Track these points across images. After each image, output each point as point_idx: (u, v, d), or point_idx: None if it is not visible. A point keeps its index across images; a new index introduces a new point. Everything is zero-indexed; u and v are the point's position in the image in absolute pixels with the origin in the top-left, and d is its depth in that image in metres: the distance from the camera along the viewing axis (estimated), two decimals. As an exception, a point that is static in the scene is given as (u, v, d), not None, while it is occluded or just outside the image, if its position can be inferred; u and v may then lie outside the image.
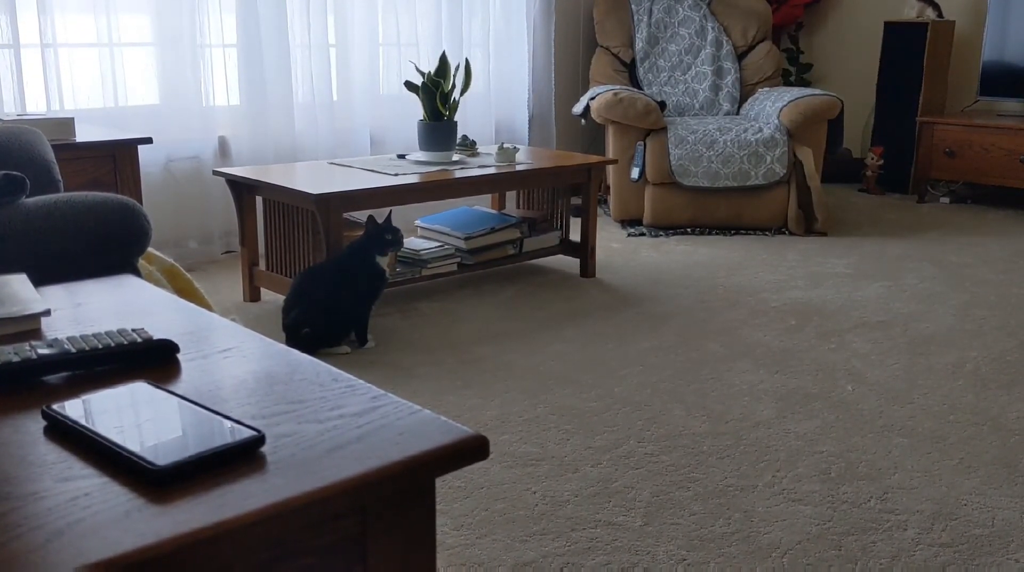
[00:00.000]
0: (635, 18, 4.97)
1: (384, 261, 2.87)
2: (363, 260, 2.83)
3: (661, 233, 4.39)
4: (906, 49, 5.28)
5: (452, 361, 2.76)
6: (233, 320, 2.29)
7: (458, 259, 3.42)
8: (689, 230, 4.43)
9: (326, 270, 2.85)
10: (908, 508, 1.94)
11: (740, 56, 4.97)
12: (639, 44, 4.94)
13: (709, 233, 4.42)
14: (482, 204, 4.08)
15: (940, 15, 5.36)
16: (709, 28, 4.95)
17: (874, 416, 2.40)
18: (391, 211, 3.01)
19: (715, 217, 4.40)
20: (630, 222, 4.51)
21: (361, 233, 2.89)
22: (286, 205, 3.14)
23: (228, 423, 0.77)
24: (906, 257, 4.04)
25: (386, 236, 2.84)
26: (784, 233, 4.42)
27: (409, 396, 2.49)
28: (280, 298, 3.13)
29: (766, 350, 2.88)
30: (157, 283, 1.89)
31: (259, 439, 0.76)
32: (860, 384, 2.62)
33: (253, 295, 3.34)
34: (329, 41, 4.15)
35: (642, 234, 4.39)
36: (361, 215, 3.53)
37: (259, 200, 3.28)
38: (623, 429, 2.31)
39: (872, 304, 3.36)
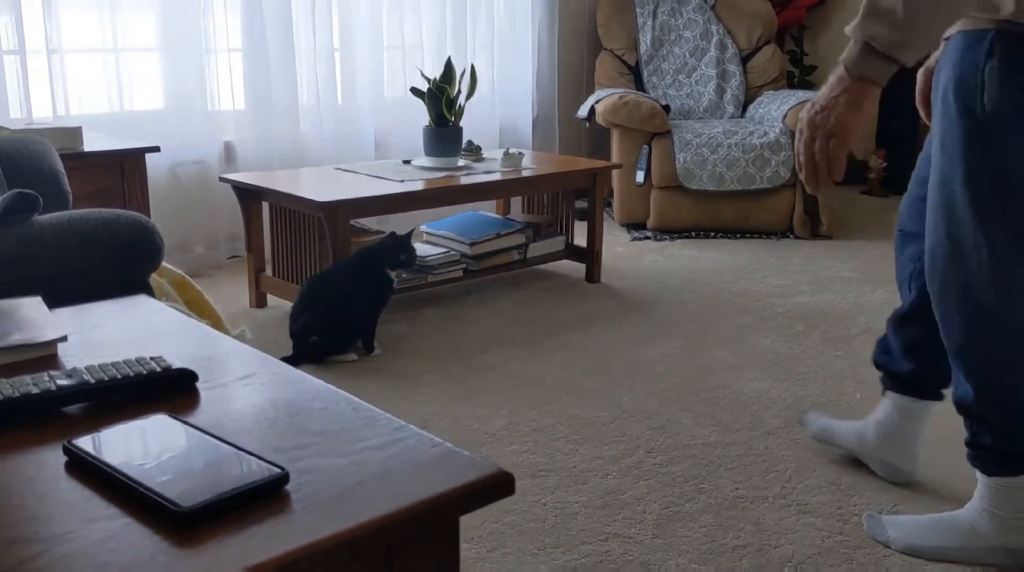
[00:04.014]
0: (639, 21, 4.97)
1: (394, 272, 2.88)
2: (372, 268, 2.83)
3: (666, 237, 4.39)
4: (911, 51, 5.26)
5: (458, 369, 2.75)
6: (243, 331, 2.29)
7: (464, 265, 3.42)
8: (694, 234, 4.42)
9: (334, 277, 2.85)
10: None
11: (744, 59, 4.97)
12: (643, 47, 4.94)
13: (714, 237, 4.42)
14: (487, 209, 4.07)
15: (945, 17, 5.34)
16: (713, 31, 4.95)
17: (883, 425, 2.40)
18: (414, 230, 3.00)
19: (720, 221, 4.40)
20: (635, 226, 4.50)
21: (373, 240, 2.89)
22: (293, 211, 3.14)
23: (252, 460, 0.77)
24: (912, 261, 4.04)
25: (400, 255, 2.85)
26: (789, 236, 4.41)
27: (417, 406, 2.48)
28: (286, 304, 3.13)
29: (774, 357, 2.87)
30: (167, 295, 1.89)
31: (283, 477, 0.75)
32: (869, 392, 2.61)
33: (259, 301, 3.34)
34: (334, 45, 4.15)
35: (647, 238, 4.38)
36: (369, 223, 3.53)
37: (265, 206, 3.28)
38: (632, 439, 2.31)
39: (878, 309, 3.35)
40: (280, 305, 3.29)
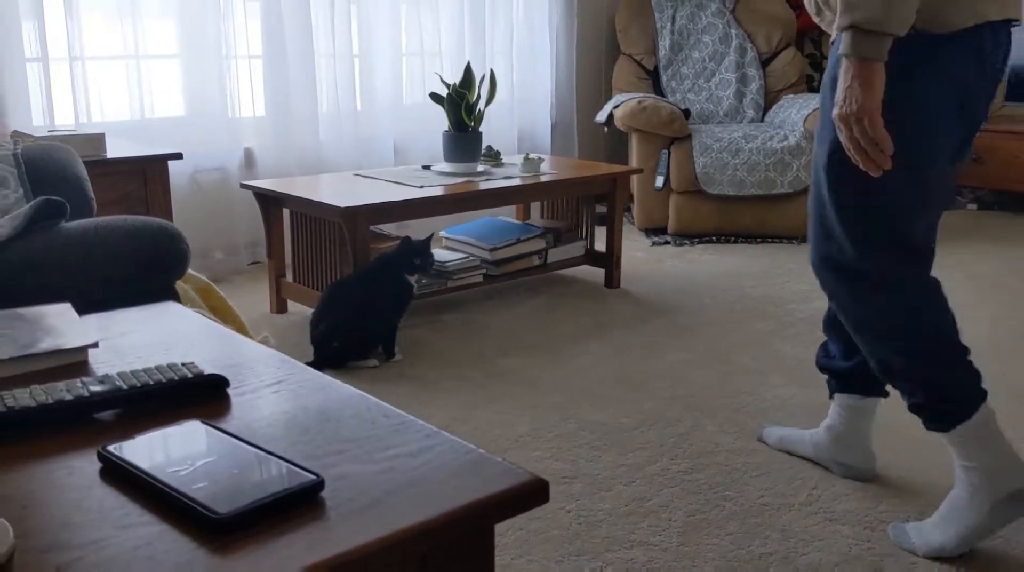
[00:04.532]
0: (658, 25, 4.96)
1: (412, 277, 2.88)
2: (391, 274, 2.84)
3: (686, 242, 4.37)
4: (931, 54, 5.22)
5: (479, 375, 2.75)
6: (266, 337, 2.29)
7: (483, 270, 3.41)
8: (714, 238, 4.41)
9: (354, 283, 2.85)
10: (947, 528, 1.92)
11: (764, 63, 4.95)
12: (662, 51, 4.92)
13: (734, 241, 4.40)
14: (506, 214, 4.07)
15: (966, 20, 5.31)
16: (733, 35, 4.93)
17: (907, 431, 2.37)
18: (432, 235, 3.00)
19: (740, 225, 4.38)
20: (654, 231, 4.49)
21: (391, 246, 2.89)
22: (313, 217, 3.14)
23: (286, 466, 0.77)
24: (933, 265, 4.00)
25: (415, 260, 2.85)
26: (810, 241, 4.39)
27: (439, 411, 2.48)
28: (307, 310, 3.13)
29: (796, 363, 2.85)
30: (191, 301, 1.89)
31: (319, 484, 0.75)
32: (892, 398, 2.58)
33: (280, 307, 3.35)
34: (353, 51, 4.16)
35: (667, 243, 4.37)
36: (388, 228, 3.54)
37: (286, 212, 3.28)
38: (655, 446, 2.29)
39: (902, 315, 3.33)
40: (301, 311, 3.30)
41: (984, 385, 1.81)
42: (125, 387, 0.91)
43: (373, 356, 2.83)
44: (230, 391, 0.98)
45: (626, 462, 2.20)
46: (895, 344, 1.80)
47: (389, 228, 3.57)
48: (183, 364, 0.97)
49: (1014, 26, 1.70)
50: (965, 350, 1.82)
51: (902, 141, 1.60)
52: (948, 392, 1.79)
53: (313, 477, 0.75)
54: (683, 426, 2.40)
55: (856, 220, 1.76)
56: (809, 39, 5.91)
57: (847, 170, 1.67)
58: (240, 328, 2.05)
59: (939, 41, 1.62)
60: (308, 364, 2.71)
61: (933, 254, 1.86)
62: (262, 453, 0.79)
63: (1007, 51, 1.71)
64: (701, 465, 2.19)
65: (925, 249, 1.83)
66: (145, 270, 1.42)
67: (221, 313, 2.01)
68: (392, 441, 0.86)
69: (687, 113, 4.45)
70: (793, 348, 2.98)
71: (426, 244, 2.90)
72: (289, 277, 3.36)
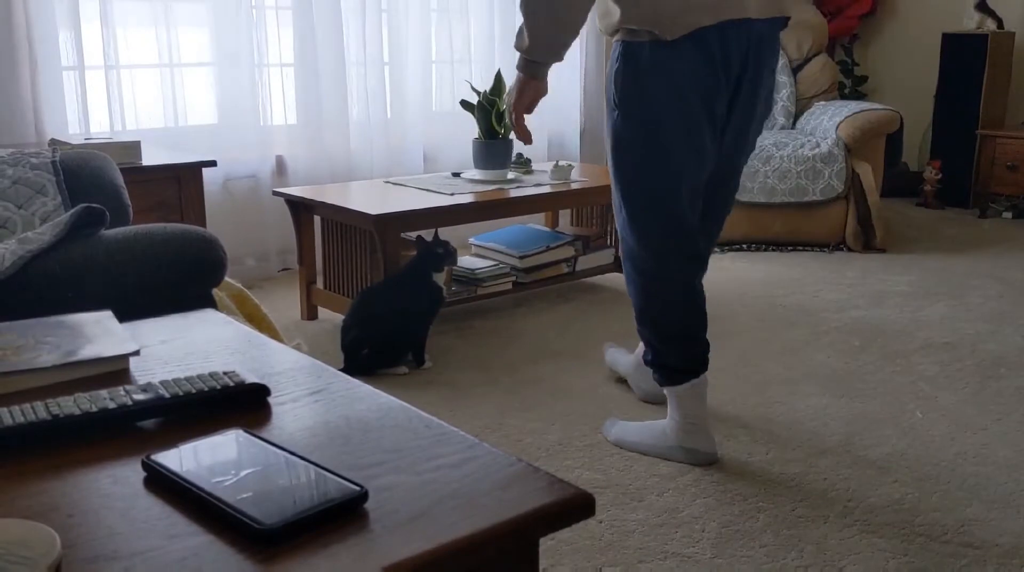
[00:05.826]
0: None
1: (441, 277, 2.86)
2: (420, 279, 2.83)
3: (716, 249, 4.34)
4: (965, 61, 5.18)
5: (509, 381, 2.74)
6: (299, 344, 2.30)
7: (513, 277, 3.41)
8: (744, 246, 4.38)
9: (384, 290, 2.86)
10: (987, 541, 1.89)
11: (795, 70, 4.91)
12: (692, 58, 4.90)
13: (765, 249, 4.37)
14: (536, 221, 4.06)
15: (1001, 26, 5.25)
16: (764, 42, 4.89)
17: (945, 443, 2.34)
18: (437, 229, 2.99)
19: (771, 233, 4.35)
20: (684, 238, 4.46)
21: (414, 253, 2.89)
22: (344, 224, 3.15)
23: (330, 477, 0.77)
24: (969, 274, 3.96)
25: (438, 250, 2.83)
26: (842, 249, 4.35)
27: (470, 418, 2.48)
28: (338, 317, 3.14)
29: (830, 372, 2.83)
30: (227, 309, 1.90)
31: (363, 495, 0.75)
32: (929, 409, 2.56)
33: (311, 314, 3.36)
34: (383, 59, 4.17)
35: (696, 250, 4.34)
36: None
37: (317, 219, 3.30)
38: (688, 455, 2.27)
39: (937, 324, 3.29)
40: (331, 318, 3.31)
41: (706, 361, 2.20)
42: (168, 396, 0.91)
43: (403, 363, 2.84)
44: (271, 400, 0.98)
45: (658, 472, 2.19)
46: (645, 303, 2.19)
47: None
48: (224, 372, 0.97)
49: (759, 24, 1.97)
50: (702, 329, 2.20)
51: (641, 131, 2.01)
52: (664, 355, 2.20)
53: (357, 488, 0.75)
54: (716, 436, 2.38)
55: (626, 196, 2.11)
56: (840, 46, 5.87)
57: (617, 158, 2.09)
58: (274, 335, 2.05)
59: (663, 47, 1.94)
60: (340, 371, 2.74)
61: (699, 247, 2.20)
62: (305, 463, 0.79)
63: (748, 48, 1.98)
64: (734, 476, 2.17)
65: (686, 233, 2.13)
66: (184, 277, 1.43)
67: (255, 320, 2.02)
68: (434, 452, 0.86)
69: (717, 120, 4.43)
70: (827, 357, 2.95)
71: (435, 235, 2.87)
72: (320, 284, 3.37)
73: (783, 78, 4.86)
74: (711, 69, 1.96)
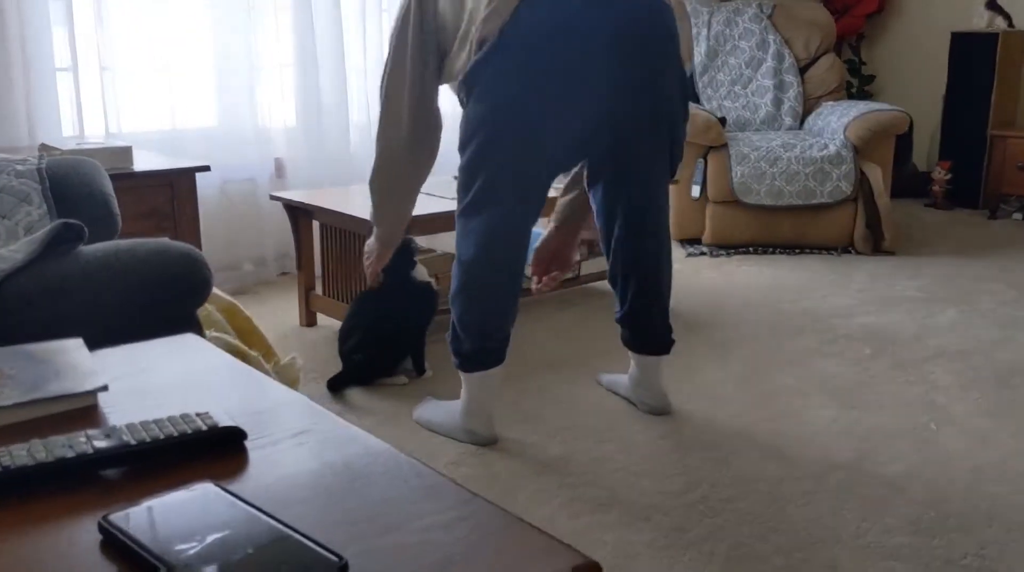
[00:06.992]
0: (693, 31, 4.85)
1: (423, 272, 2.77)
2: (403, 279, 2.73)
3: (722, 253, 4.27)
4: (975, 60, 5.09)
5: (511, 392, 2.66)
6: (293, 359, 2.22)
7: (516, 283, 3.32)
8: (751, 250, 4.30)
9: (379, 295, 2.77)
10: (1008, 565, 1.81)
11: (802, 69, 4.83)
12: (698, 57, 4.82)
13: (772, 252, 4.29)
14: (539, 225, 3.98)
15: (1011, 25, 5.16)
16: (770, 41, 4.81)
17: (962, 458, 2.27)
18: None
19: (778, 236, 4.27)
20: (690, 242, 4.39)
21: (422, 258, 2.80)
22: (344, 229, 3.08)
23: (306, 545, 0.69)
24: (980, 278, 3.87)
25: (402, 248, 2.67)
26: (851, 252, 4.27)
27: (470, 433, 2.40)
28: (336, 323, 3.06)
29: (841, 382, 2.75)
30: (216, 324, 1.83)
31: (341, 568, 0.67)
32: (944, 421, 2.48)
33: (309, 320, 3.29)
34: (384, 60, 4.09)
35: (702, 254, 4.27)
36: (419, 240, 3.45)
37: (316, 224, 3.22)
38: (694, 471, 2.20)
39: (949, 330, 3.21)
40: (330, 324, 3.23)
41: (501, 357, 2.30)
42: (133, 442, 0.84)
43: (402, 373, 2.76)
44: (248, 444, 0.91)
45: (664, 489, 2.11)
46: (454, 294, 2.27)
47: (420, 240, 3.49)
48: (197, 414, 0.90)
49: None
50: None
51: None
52: (456, 342, 2.29)
53: (335, 559, 0.67)
54: (722, 450, 2.31)
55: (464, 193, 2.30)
56: (848, 45, 5.78)
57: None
58: (266, 351, 1.98)
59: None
60: (335, 378, 2.65)
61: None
62: (279, 527, 0.72)
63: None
64: (743, 493, 2.10)
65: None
66: (166, 297, 1.36)
67: (246, 335, 1.95)
68: (425, 507, 0.78)
69: (723, 121, 4.35)
70: (836, 366, 2.88)
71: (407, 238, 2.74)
72: (319, 290, 3.30)
73: (790, 77, 4.77)
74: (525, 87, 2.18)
